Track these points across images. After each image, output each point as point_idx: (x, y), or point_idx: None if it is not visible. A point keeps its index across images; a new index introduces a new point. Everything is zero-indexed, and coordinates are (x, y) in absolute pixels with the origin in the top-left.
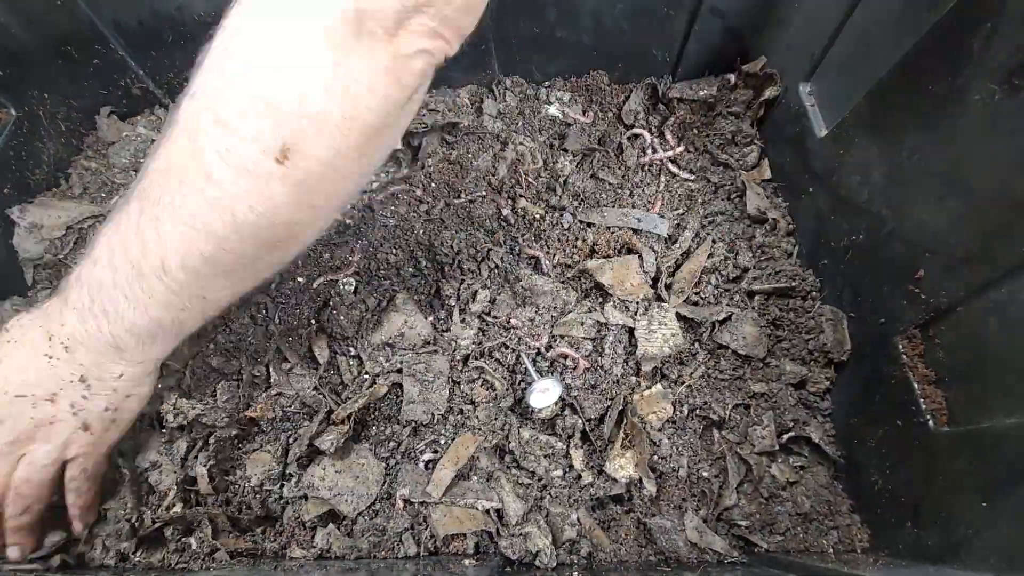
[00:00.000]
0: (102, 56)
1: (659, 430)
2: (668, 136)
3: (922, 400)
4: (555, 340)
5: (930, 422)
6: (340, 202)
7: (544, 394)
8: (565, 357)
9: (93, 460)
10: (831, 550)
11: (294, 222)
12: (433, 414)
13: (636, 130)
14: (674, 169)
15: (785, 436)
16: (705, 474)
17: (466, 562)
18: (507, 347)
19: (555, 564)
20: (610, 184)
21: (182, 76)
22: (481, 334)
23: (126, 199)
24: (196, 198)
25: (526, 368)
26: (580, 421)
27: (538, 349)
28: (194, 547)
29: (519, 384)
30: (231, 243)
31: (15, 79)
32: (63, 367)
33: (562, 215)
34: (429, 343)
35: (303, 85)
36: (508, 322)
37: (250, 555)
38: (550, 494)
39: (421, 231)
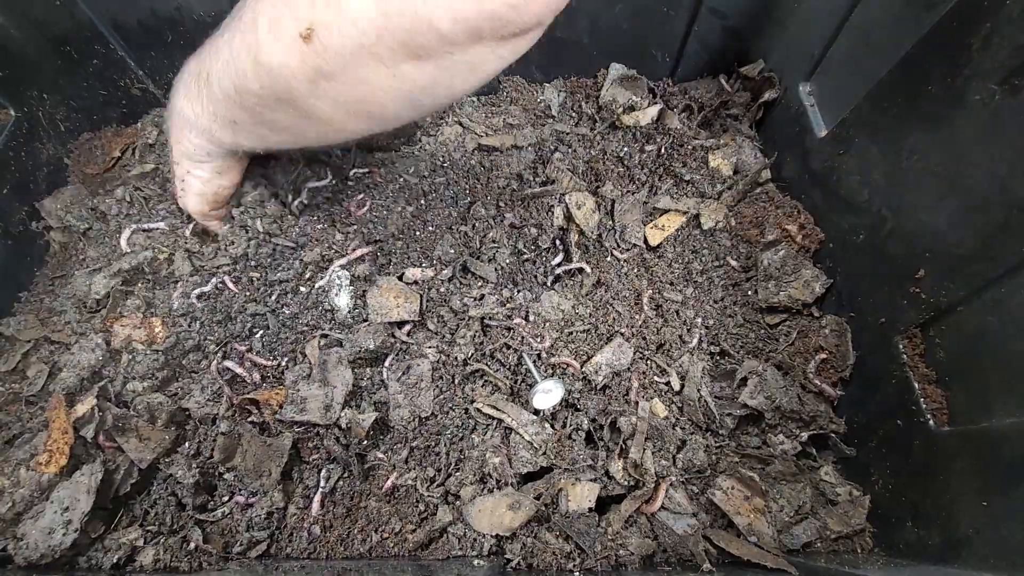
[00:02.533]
0: (102, 56)
1: (660, 431)
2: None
3: (923, 400)
4: (557, 346)
5: (931, 422)
6: (366, 109)
7: (547, 395)
8: (567, 366)
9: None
10: (831, 550)
11: (306, 100)
12: (420, 417)
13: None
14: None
15: (806, 434)
16: (706, 472)
17: (476, 562)
18: (509, 347)
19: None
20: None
21: None
22: (483, 334)
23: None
24: (240, 36)
25: (528, 369)
26: (585, 421)
27: (539, 352)
28: None
29: (520, 384)
30: (249, 84)
31: (15, 79)
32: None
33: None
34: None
35: None
36: (511, 323)
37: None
38: None
39: (422, 232)
